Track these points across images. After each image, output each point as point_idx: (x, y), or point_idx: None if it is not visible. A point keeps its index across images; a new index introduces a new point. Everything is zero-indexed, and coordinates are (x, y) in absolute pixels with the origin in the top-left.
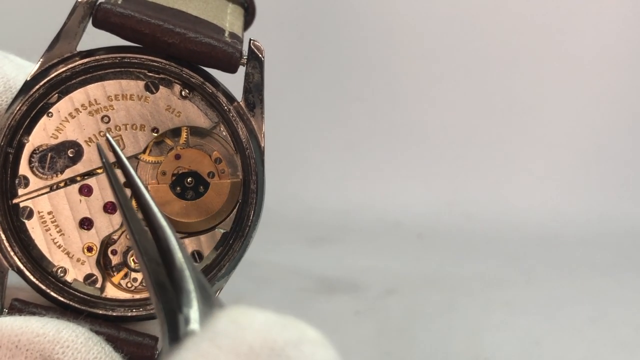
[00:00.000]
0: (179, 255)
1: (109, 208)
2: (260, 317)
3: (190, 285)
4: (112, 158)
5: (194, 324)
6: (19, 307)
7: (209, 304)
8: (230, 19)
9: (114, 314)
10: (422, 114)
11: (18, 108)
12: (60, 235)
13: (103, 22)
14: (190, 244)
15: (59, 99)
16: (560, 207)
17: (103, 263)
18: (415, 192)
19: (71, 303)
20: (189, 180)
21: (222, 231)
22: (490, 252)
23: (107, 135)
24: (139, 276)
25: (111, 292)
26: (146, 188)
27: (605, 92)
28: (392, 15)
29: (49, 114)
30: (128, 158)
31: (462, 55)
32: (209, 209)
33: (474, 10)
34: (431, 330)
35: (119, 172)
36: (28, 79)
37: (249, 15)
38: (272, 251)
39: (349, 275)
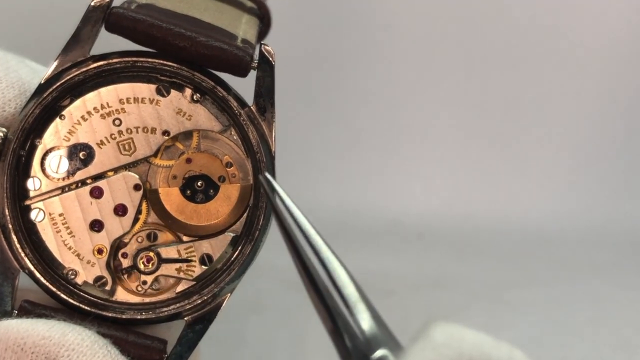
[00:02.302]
0: (349, 284)
1: (119, 210)
2: (471, 334)
3: (365, 313)
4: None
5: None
6: (28, 309)
7: (384, 327)
8: (244, 28)
9: (124, 316)
10: (423, 114)
11: (31, 111)
12: (70, 237)
13: (115, 25)
14: (200, 246)
15: (71, 102)
16: (560, 207)
17: (113, 266)
18: (415, 192)
19: (81, 305)
20: (199, 183)
21: (232, 234)
22: (491, 252)
23: (267, 176)
24: (149, 279)
25: (121, 295)
26: (316, 231)
27: (605, 92)
28: (392, 15)
29: (62, 117)
30: (140, 161)
31: (462, 55)
32: (219, 212)
33: (474, 10)
34: None
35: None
36: (42, 82)
37: (264, 26)
38: (272, 251)
39: None
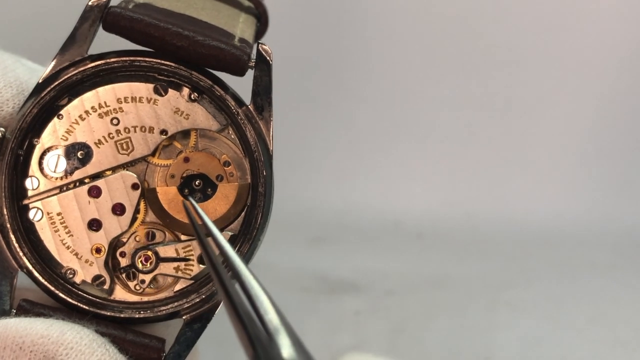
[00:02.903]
0: (271, 310)
1: (117, 210)
2: None
3: (287, 339)
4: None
5: None
6: (26, 308)
7: (307, 357)
8: (241, 27)
9: (122, 315)
10: (422, 114)
11: (29, 110)
12: (69, 237)
13: (113, 25)
14: (198, 245)
15: (69, 101)
16: (560, 207)
17: (111, 265)
18: (415, 192)
19: (79, 304)
20: (197, 182)
21: (230, 234)
22: (491, 252)
23: (192, 200)
24: (147, 278)
25: (119, 294)
26: (237, 254)
27: (605, 92)
28: (392, 15)
29: (60, 116)
30: (137, 160)
31: (462, 55)
32: (217, 211)
33: (474, 10)
34: (431, 330)
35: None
36: (39, 81)
37: (262, 26)
38: (272, 251)
39: (349, 275)
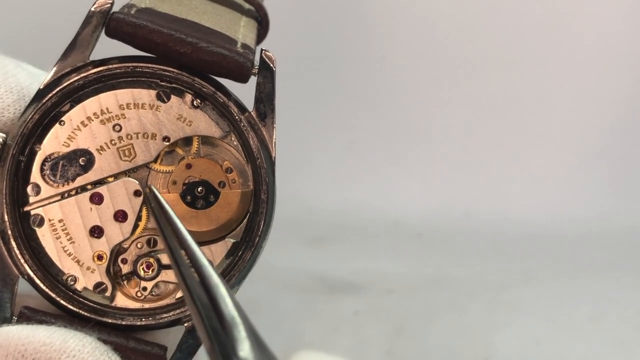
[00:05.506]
0: (229, 304)
1: (119, 216)
2: None
3: (243, 333)
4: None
5: None
6: (28, 315)
7: (265, 353)
8: (243, 31)
9: (123, 323)
10: (422, 114)
11: (30, 116)
12: (70, 244)
13: (116, 31)
14: None
15: (71, 107)
16: (560, 207)
17: (113, 272)
18: (415, 192)
19: (80, 311)
20: (199, 189)
21: (233, 241)
22: (490, 252)
23: (153, 188)
24: (148, 285)
25: (121, 301)
26: (194, 241)
27: (605, 92)
28: (392, 16)
29: (61, 122)
30: (140, 167)
31: (462, 55)
32: (219, 218)
33: (474, 10)
34: (431, 330)
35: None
36: (41, 87)
37: (262, 29)
38: (271, 251)
39: (349, 275)
